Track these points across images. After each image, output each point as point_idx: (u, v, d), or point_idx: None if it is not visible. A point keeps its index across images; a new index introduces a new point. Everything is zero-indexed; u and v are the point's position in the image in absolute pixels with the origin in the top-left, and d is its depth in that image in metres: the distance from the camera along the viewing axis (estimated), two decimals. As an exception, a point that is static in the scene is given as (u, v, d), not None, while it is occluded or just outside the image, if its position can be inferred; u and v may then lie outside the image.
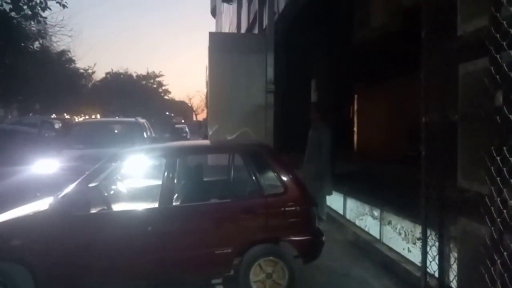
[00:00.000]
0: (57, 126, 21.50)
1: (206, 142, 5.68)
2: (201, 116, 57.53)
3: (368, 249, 4.88)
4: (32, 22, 14.70)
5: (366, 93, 12.35)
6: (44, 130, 16.98)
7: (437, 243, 3.00)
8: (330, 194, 5.95)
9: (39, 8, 13.02)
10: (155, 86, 46.69)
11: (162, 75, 46.78)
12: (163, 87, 48.06)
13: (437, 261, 2.99)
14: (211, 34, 6.71)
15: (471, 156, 2.46)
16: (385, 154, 9.60)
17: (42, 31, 19.02)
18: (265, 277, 3.55)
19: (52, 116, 24.70)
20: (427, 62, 3.01)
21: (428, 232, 3.07)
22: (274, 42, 7.11)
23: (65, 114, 28.52)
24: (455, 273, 2.82)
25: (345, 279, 4.15)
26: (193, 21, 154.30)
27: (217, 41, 6.87)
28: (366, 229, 5.30)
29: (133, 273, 3.53)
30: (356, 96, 12.87)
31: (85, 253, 3.44)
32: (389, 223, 4.65)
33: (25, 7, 12.85)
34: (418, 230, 3.81)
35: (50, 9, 13.49)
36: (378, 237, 4.90)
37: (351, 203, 5.96)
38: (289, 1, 7.33)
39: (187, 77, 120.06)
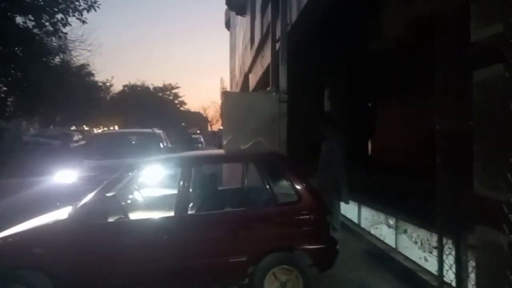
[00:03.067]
0: (76, 138, 22.06)
1: (221, 151, 5.74)
2: (216, 127, 58.03)
3: (384, 258, 4.82)
4: (54, 38, 15.21)
5: (381, 103, 12.25)
6: (67, 141, 17.50)
7: (453, 252, 2.96)
8: (347, 203, 5.92)
9: (60, 24, 13.47)
10: (171, 97, 47.50)
11: (178, 87, 47.80)
12: (179, 99, 48.91)
13: (454, 270, 2.95)
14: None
15: (487, 163, 2.43)
16: (401, 164, 9.46)
17: (63, 46, 19.62)
18: (280, 285, 3.56)
19: (72, 128, 25.31)
20: (441, 71, 3.02)
21: (444, 240, 3.03)
22: (287, 53, 7.18)
23: (84, 126, 29.13)
24: (473, 283, 2.77)
25: (361, 288, 4.11)
26: (208, 33, 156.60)
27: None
28: (382, 238, 5.24)
29: (149, 281, 3.58)
30: (371, 105, 12.76)
31: (103, 261, 3.51)
32: (405, 231, 4.59)
33: (47, 23, 13.31)
34: (434, 239, 3.74)
35: (70, 25, 13.93)
36: (394, 246, 4.85)
37: (366, 212, 5.91)
38: (302, 13, 7.40)
39: (202, 88, 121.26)
